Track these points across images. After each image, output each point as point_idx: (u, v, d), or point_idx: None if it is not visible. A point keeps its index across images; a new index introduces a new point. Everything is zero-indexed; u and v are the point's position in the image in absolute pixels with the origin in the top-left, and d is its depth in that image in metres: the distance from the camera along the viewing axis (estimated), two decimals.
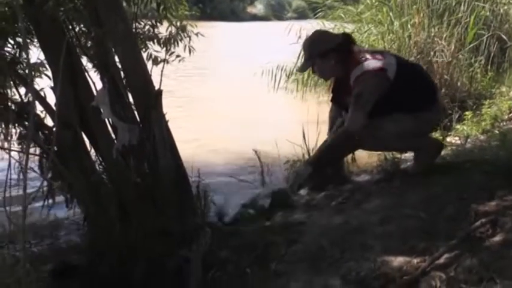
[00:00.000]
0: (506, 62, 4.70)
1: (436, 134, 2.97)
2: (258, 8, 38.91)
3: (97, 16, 2.02)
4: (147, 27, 2.30)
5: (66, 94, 2.05)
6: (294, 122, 3.94)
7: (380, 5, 5.54)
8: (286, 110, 5.85)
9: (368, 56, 2.14)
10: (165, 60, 2.27)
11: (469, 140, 3.01)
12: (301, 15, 30.97)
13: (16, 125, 2.28)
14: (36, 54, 2.21)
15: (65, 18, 2.11)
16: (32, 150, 2.26)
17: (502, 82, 4.52)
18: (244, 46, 13.76)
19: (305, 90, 6.30)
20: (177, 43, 2.28)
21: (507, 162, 2.03)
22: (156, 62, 2.27)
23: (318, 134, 2.74)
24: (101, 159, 2.33)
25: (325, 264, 1.66)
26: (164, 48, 2.28)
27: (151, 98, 2.11)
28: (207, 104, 6.23)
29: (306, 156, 2.79)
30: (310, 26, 6.56)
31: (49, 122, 2.31)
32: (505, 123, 3.41)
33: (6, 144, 2.27)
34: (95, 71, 2.21)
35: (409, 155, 2.69)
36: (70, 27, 2.17)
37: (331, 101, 2.44)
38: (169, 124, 2.23)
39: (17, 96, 2.29)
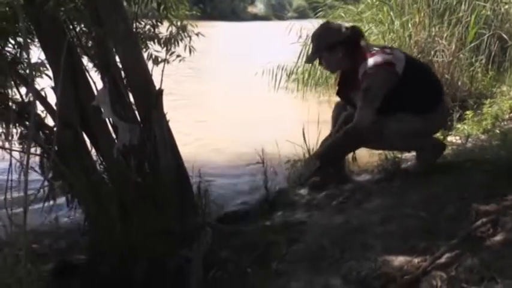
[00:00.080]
0: (507, 61, 4.69)
1: (437, 134, 2.96)
2: (259, 8, 38.93)
3: (98, 16, 2.02)
4: (147, 27, 2.30)
5: (67, 94, 2.05)
6: (295, 121, 3.94)
7: (380, 4, 5.54)
8: (286, 109, 5.84)
9: (377, 50, 2.14)
10: (165, 60, 2.27)
11: (469, 139, 3.01)
12: (301, 14, 31.04)
13: (17, 124, 2.28)
14: (36, 54, 2.21)
15: (65, 18, 2.12)
16: (32, 150, 2.27)
17: (503, 81, 4.52)
18: (244, 46, 13.77)
19: (305, 90, 6.30)
20: (178, 43, 2.28)
21: (508, 161, 2.02)
22: (156, 61, 2.27)
23: (319, 134, 2.74)
24: (101, 158, 2.33)
25: (326, 264, 1.66)
26: (165, 48, 2.28)
27: (152, 98, 2.11)
28: (208, 103, 6.23)
29: (307, 156, 2.79)
30: (310, 26, 6.57)
31: (50, 121, 2.31)
32: (505, 123, 3.40)
33: (7, 144, 2.27)
34: (95, 71, 2.22)
35: (409, 155, 2.69)
36: (71, 27, 2.18)
37: (337, 94, 2.41)
38: (170, 124, 2.23)
39: (17, 96, 2.29)
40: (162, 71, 2.21)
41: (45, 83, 2.22)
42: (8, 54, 2.17)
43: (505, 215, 1.61)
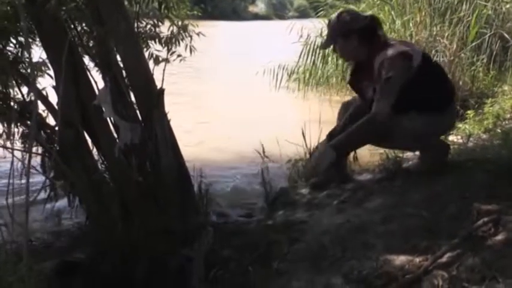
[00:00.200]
0: (508, 61, 4.69)
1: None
2: (260, 7, 38.93)
3: (99, 15, 2.02)
4: (148, 26, 2.30)
5: (68, 93, 2.05)
6: (296, 121, 3.94)
7: (382, 4, 5.54)
8: (287, 109, 5.85)
9: (395, 41, 2.11)
10: (166, 60, 2.27)
11: (471, 139, 3.00)
12: (302, 14, 31.05)
13: (18, 124, 2.28)
14: (38, 53, 2.22)
15: (67, 18, 2.12)
16: (34, 149, 2.27)
17: (504, 81, 4.52)
18: (245, 45, 13.77)
19: (306, 90, 6.30)
20: (179, 42, 2.29)
21: (509, 161, 2.02)
22: (157, 61, 2.27)
23: (320, 133, 2.74)
24: (103, 158, 2.34)
25: (327, 263, 1.66)
26: (166, 48, 2.29)
27: (153, 97, 2.11)
28: (208, 103, 6.24)
29: (308, 156, 2.79)
30: (311, 25, 6.58)
31: (51, 121, 2.32)
32: (507, 122, 3.40)
33: (9, 144, 2.28)
34: (97, 70, 2.22)
35: (410, 154, 2.69)
36: (72, 26, 2.18)
37: (349, 83, 2.38)
38: (171, 123, 2.23)
39: (19, 96, 2.30)
40: (163, 70, 2.22)
41: (46, 83, 2.22)
42: (9, 53, 2.18)
43: (506, 214, 1.60)
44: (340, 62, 5.99)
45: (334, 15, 2.28)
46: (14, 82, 2.25)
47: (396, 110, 2.02)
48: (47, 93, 2.23)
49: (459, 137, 3.11)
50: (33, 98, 2.21)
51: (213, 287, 1.79)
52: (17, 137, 2.33)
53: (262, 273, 1.74)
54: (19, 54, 2.19)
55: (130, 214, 2.11)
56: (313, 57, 6.29)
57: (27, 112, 2.25)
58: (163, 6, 2.31)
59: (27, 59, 2.18)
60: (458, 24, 4.58)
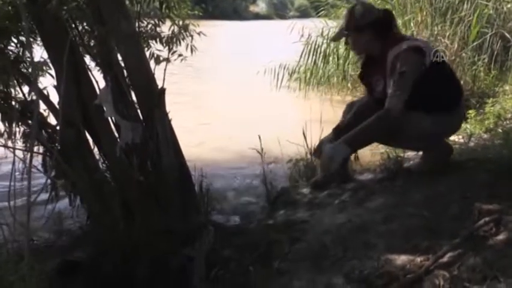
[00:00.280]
0: (509, 61, 4.69)
1: None
2: (261, 7, 38.95)
3: (100, 15, 2.02)
4: (149, 26, 2.30)
5: (70, 93, 2.05)
6: (297, 120, 3.94)
7: (383, 3, 5.53)
8: (288, 108, 5.85)
9: (408, 37, 2.09)
10: (167, 59, 2.27)
11: (472, 138, 3.00)
12: (303, 13, 31.07)
13: (20, 123, 2.29)
14: (39, 53, 2.22)
15: (68, 17, 2.12)
16: (35, 148, 2.27)
17: (506, 80, 4.51)
18: (246, 45, 13.76)
19: (308, 89, 6.30)
20: (180, 42, 2.29)
21: (510, 160, 2.02)
22: (158, 61, 2.27)
23: (321, 133, 2.74)
24: (104, 157, 2.34)
25: (328, 263, 1.66)
26: (167, 47, 2.29)
27: (155, 97, 2.11)
28: (209, 103, 6.24)
29: (309, 155, 2.79)
30: (312, 25, 6.58)
31: (52, 120, 2.32)
32: (508, 122, 3.40)
33: (10, 143, 2.28)
34: (98, 70, 2.22)
35: (412, 154, 2.69)
36: (73, 25, 2.18)
37: (359, 77, 2.36)
38: (172, 123, 2.23)
39: (20, 95, 2.30)
40: (165, 70, 2.22)
41: (47, 82, 2.23)
42: (10, 53, 2.18)
43: (507, 214, 1.60)
44: (341, 61, 6.00)
45: (349, 7, 2.24)
46: (15, 81, 2.25)
47: (406, 108, 2.00)
48: (48, 93, 2.23)
49: (460, 136, 3.11)
50: (34, 98, 2.22)
51: (214, 287, 1.79)
52: (18, 136, 2.33)
53: (263, 273, 1.74)
54: (20, 53, 2.20)
55: (131, 213, 2.11)
56: (314, 56, 6.29)
57: (29, 111, 2.26)
58: (164, 6, 2.31)
59: (28, 59, 2.18)
60: (459, 23, 4.58)
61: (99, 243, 2.17)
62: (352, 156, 2.78)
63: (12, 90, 2.27)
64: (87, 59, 2.23)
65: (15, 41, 2.17)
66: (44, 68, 2.26)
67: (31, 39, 2.15)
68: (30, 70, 2.22)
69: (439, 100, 2.07)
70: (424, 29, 4.67)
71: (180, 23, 2.28)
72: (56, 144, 2.21)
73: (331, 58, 6.24)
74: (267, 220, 2.22)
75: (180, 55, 2.30)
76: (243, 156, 3.52)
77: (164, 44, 2.28)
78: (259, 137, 2.61)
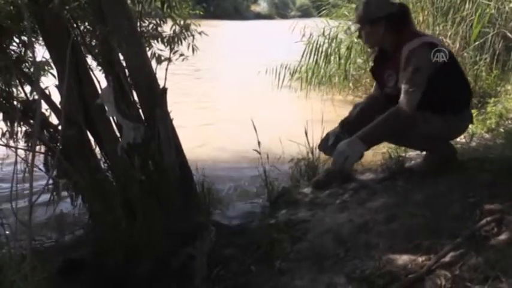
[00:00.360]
0: (511, 60, 4.68)
1: None
2: (262, 6, 38.95)
3: (102, 14, 2.02)
4: (151, 25, 2.30)
5: (71, 92, 2.06)
6: (298, 120, 3.94)
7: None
8: (290, 108, 5.85)
9: (423, 33, 2.06)
10: (169, 59, 2.28)
11: (474, 138, 3.00)
12: (305, 13, 31.08)
13: (22, 123, 2.29)
14: (41, 52, 2.22)
15: (69, 17, 2.12)
16: (37, 148, 2.28)
17: (507, 80, 4.51)
18: (248, 44, 13.76)
19: (309, 89, 6.30)
20: (181, 42, 2.29)
21: None
22: (159, 60, 2.28)
23: (322, 132, 2.74)
24: (105, 157, 2.34)
25: (330, 262, 1.66)
26: (168, 47, 2.29)
27: (156, 96, 2.12)
28: (211, 102, 6.25)
29: (310, 155, 2.79)
30: (314, 24, 6.58)
31: (54, 120, 2.32)
32: (510, 122, 3.39)
33: (12, 143, 2.29)
34: (99, 69, 2.22)
35: (413, 154, 2.69)
36: (75, 25, 2.18)
37: (371, 71, 2.34)
38: (174, 122, 2.23)
39: (22, 95, 2.30)
40: (166, 69, 2.22)
41: (49, 82, 2.23)
42: (12, 52, 2.18)
43: (509, 214, 1.60)
44: (342, 61, 5.99)
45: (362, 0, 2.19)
46: (17, 81, 2.25)
47: (417, 106, 1.98)
48: (49, 93, 2.23)
49: (462, 136, 3.11)
50: (36, 97, 2.22)
51: (215, 286, 1.80)
52: (20, 136, 2.33)
53: (264, 273, 1.74)
54: (22, 53, 2.20)
55: (133, 213, 2.12)
56: (315, 56, 6.28)
57: (31, 111, 2.26)
58: (165, 6, 2.31)
59: (30, 58, 2.19)
60: (461, 23, 4.57)
61: (100, 242, 2.18)
62: None
63: (14, 90, 2.27)
64: (89, 58, 2.23)
65: (17, 40, 2.17)
66: (46, 67, 2.26)
67: (33, 39, 2.15)
68: (32, 70, 2.23)
69: (449, 101, 2.05)
70: (425, 28, 4.66)
71: (182, 22, 2.28)
72: (58, 144, 2.22)
73: (332, 58, 6.23)
74: (269, 220, 2.22)
75: (181, 55, 2.31)
76: (244, 156, 3.52)
77: (166, 44, 2.28)
78: (258, 139, 2.60)
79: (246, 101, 6.03)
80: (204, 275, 1.85)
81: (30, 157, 2.18)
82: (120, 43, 2.05)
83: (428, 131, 2.05)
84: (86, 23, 2.21)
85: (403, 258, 1.54)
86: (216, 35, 12.21)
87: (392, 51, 2.08)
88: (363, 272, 1.54)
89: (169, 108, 2.18)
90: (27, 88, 2.29)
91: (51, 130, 2.32)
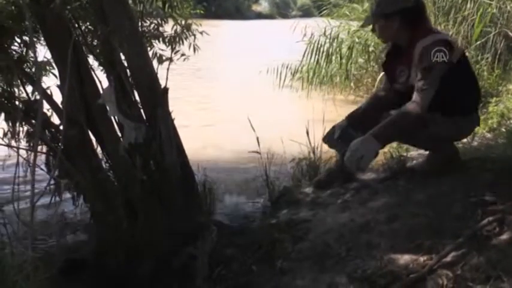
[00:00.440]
0: None
1: None
2: (263, 6, 38.93)
3: (103, 14, 2.03)
4: (152, 25, 2.31)
5: (73, 92, 2.06)
6: (299, 120, 3.93)
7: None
8: (291, 108, 5.84)
9: (439, 30, 2.03)
10: (170, 59, 2.28)
11: (475, 138, 3.00)
12: (306, 13, 31.08)
13: (23, 123, 2.30)
14: (42, 52, 2.22)
15: (71, 17, 2.12)
16: (39, 148, 2.28)
17: (509, 80, 4.50)
18: (249, 44, 13.76)
19: (310, 89, 6.30)
20: (182, 41, 2.29)
21: None
22: (161, 60, 2.28)
23: (324, 132, 2.74)
24: (107, 157, 2.34)
25: (331, 262, 1.66)
26: (169, 47, 2.29)
27: (158, 96, 2.12)
28: (212, 102, 6.25)
29: (312, 155, 2.78)
30: (315, 24, 6.58)
31: (56, 120, 2.33)
32: (511, 121, 3.39)
33: (14, 143, 2.29)
34: (101, 69, 2.22)
35: (415, 153, 2.69)
36: (76, 25, 2.18)
37: (383, 65, 2.30)
38: (175, 122, 2.23)
39: (24, 95, 2.31)
40: (167, 69, 2.22)
41: (51, 82, 2.23)
42: (14, 52, 2.19)
43: (511, 213, 1.60)
44: (344, 61, 5.99)
45: None
46: (18, 81, 2.26)
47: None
48: (51, 93, 2.23)
49: None
50: (38, 97, 2.22)
51: (217, 286, 1.80)
52: (22, 136, 2.34)
53: (266, 272, 1.74)
54: (24, 53, 2.20)
55: (134, 213, 2.12)
56: (316, 56, 6.29)
57: (32, 111, 2.26)
58: (167, 6, 2.31)
59: (32, 58, 2.19)
60: (462, 23, 4.57)
61: (102, 242, 2.18)
62: None
63: (16, 90, 2.28)
64: (91, 58, 2.24)
65: (18, 40, 2.18)
66: (47, 67, 2.27)
67: (34, 39, 2.16)
68: (33, 70, 2.23)
69: (460, 102, 2.02)
70: None
71: (183, 22, 2.29)
72: (60, 144, 2.22)
73: (333, 57, 6.23)
74: (270, 219, 2.22)
75: (182, 54, 2.31)
76: (245, 156, 3.51)
77: (167, 44, 2.29)
78: (257, 139, 2.60)
79: (247, 100, 6.03)
80: (206, 274, 1.85)
81: (32, 157, 2.19)
82: (121, 43, 2.05)
83: (437, 132, 2.02)
84: (88, 23, 2.22)
85: (404, 258, 1.54)
86: (217, 34, 12.20)
87: (406, 47, 2.04)
88: (364, 272, 1.53)
89: (170, 108, 2.18)
90: (29, 88, 2.30)
91: (53, 130, 2.33)
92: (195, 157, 2.60)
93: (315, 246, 1.80)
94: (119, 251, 2.02)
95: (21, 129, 2.32)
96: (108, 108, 2.09)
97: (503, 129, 3.09)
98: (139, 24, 2.21)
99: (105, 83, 2.14)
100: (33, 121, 2.28)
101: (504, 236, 1.50)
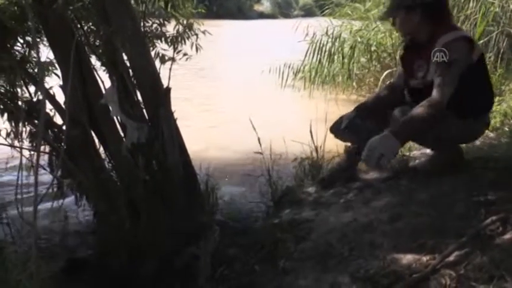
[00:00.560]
0: None
1: None
2: (265, 6, 38.91)
3: (105, 14, 2.03)
4: (154, 25, 2.31)
5: (76, 92, 2.06)
6: (302, 119, 3.94)
7: (388, 2, 5.50)
8: (293, 107, 5.84)
9: (459, 27, 1.99)
10: (172, 59, 2.28)
11: None
12: (308, 12, 31.08)
13: (26, 123, 2.30)
14: (45, 53, 2.23)
15: (73, 17, 2.13)
16: (41, 148, 2.29)
17: None
18: (251, 44, 13.76)
19: (312, 88, 6.29)
20: (185, 41, 2.29)
21: None
22: (163, 60, 2.28)
23: (326, 131, 2.73)
24: (110, 157, 2.35)
25: (334, 262, 1.66)
26: (172, 47, 2.29)
27: (160, 96, 2.12)
28: (214, 102, 6.25)
29: (314, 154, 2.78)
30: (317, 24, 6.57)
31: (58, 120, 2.33)
32: None
33: (16, 142, 2.30)
34: (103, 70, 2.23)
35: (418, 153, 2.68)
36: (79, 25, 2.19)
37: (400, 58, 2.24)
38: (177, 122, 2.23)
39: (27, 95, 2.31)
40: (170, 69, 2.22)
41: (53, 82, 2.24)
42: (17, 53, 2.19)
43: None
44: (346, 60, 5.98)
45: None
46: (21, 81, 2.26)
47: None
48: (54, 93, 2.24)
49: None
50: (40, 97, 2.23)
51: (219, 286, 1.80)
52: (24, 136, 2.35)
53: (268, 272, 1.74)
54: (26, 53, 2.21)
55: (137, 213, 2.12)
56: (319, 55, 6.28)
57: (35, 111, 2.27)
58: (169, 5, 2.31)
59: (34, 59, 2.20)
60: (465, 22, 4.55)
61: (105, 242, 2.19)
62: None
63: (19, 90, 2.29)
64: (93, 58, 2.24)
65: (21, 41, 2.18)
66: (50, 67, 2.27)
67: (37, 39, 2.16)
68: (36, 70, 2.24)
69: (474, 104, 1.99)
70: None
71: (185, 22, 2.29)
72: (62, 144, 2.22)
73: (336, 57, 6.23)
74: (272, 219, 2.22)
75: (185, 54, 2.31)
76: (248, 156, 3.52)
77: (169, 44, 2.29)
78: (258, 139, 2.60)
79: (249, 100, 6.03)
80: (208, 274, 1.85)
81: (34, 157, 2.19)
82: (123, 43, 2.06)
83: (447, 133, 1.99)
84: (90, 23, 2.22)
85: (407, 258, 1.53)
86: (219, 34, 12.21)
87: (426, 42, 1.99)
88: (367, 272, 1.53)
89: (172, 108, 2.18)
90: (32, 88, 2.30)
91: (56, 130, 2.33)
92: (197, 157, 2.60)
93: (318, 246, 1.80)
94: (122, 250, 2.02)
95: (24, 129, 2.33)
96: (110, 108, 2.10)
97: (506, 129, 3.08)
98: (142, 24, 2.21)
99: (108, 83, 2.15)
100: (36, 121, 2.29)
101: (507, 236, 1.50)
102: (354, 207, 2.05)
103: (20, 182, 1.80)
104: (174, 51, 2.28)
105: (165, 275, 1.94)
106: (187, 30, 2.28)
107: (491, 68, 4.53)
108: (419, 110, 1.87)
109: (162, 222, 2.07)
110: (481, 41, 4.51)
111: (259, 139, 2.59)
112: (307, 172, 2.74)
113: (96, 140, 2.32)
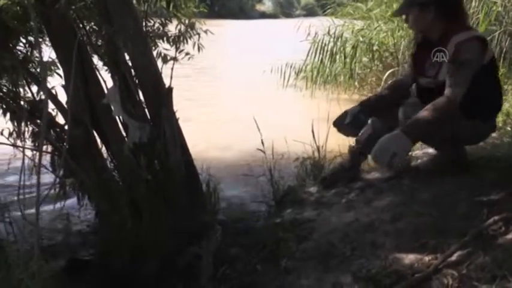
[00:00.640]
0: None
1: None
2: (267, 6, 38.92)
3: (107, 14, 2.03)
4: (156, 25, 2.31)
5: (78, 92, 2.07)
6: (303, 119, 3.93)
7: (390, 1, 5.51)
8: (295, 107, 5.84)
9: (473, 27, 1.98)
10: (174, 58, 2.28)
11: None
12: (310, 12, 31.08)
13: (28, 123, 2.31)
14: (47, 52, 2.23)
15: (76, 17, 2.13)
16: (44, 147, 2.29)
17: None
18: (253, 44, 13.76)
19: (314, 88, 6.29)
20: (186, 41, 2.29)
21: None
22: (165, 60, 2.28)
23: (328, 131, 2.73)
24: (112, 156, 2.35)
25: (336, 262, 1.66)
26: (173, 46, 2.29)
27: (162, 96, 2.12)
28: (216, 102, 6.25)
29: (316, 154, 2.78)
30: (319, 23, 6.57)
31: (61, 120, 2.34)
32: None
33: (19, 142, 2.30)
34: (105, 69, 2.23)
35: (420, 152, 2.67)
36: (81, 25, 2.19)
37: (412, 56, 2.21)
38: (179, 122, 2.24)
39: (29, 95, 2.32)
40: (172, 69, 2.22)
41: (55, 82, 2.24)
42: (19, 53, 2.20)
43: None
44: (348, 60, 5.98)
45: None
46: (24, 81, 2.27)
47: None
48: (56, 92, 2.24)
49: None
50: (43, 97, 2.24)
51: (221, 285, 1.80)
52: (27, 135, 2.35)
53: (270, 272, 1.74)
54: (29, 53, 2.22)
55: (139, 212, 2.12)
56: (320, 55, 6.28)
57: (37, 111, 2.27)
58: (171, 5, 2.31)
59: (37, 58, 2.20)
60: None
61: (107, 241, 2.19)
62: None
63: (21, 90, 2.29)
64: (95, 58, 2.24)
65: (23, 40, 2.19)
66: (52, 67, 2.28)
67: (39, 39, 2.17)
68: (38, 70, 2.24)
69: (484, 106, 1.97)
70: None
71: (187, 21, 2.29)
72: (65, 144, 2.23)
73: (338, 57, 6.22)
74: (274, 219, 2.22)
75: (187, 54, 2.31)
76: (249, 155, 3.52)
77: (171, 43, 2.29)
78: (261, 138, 2.60)
79: (251, 100, 6.03)
80: (210, 274, 1.85)
81: (37, 157, 2.20)
82: (125, 43, 2.06)
83: (454, 134, 1.97)
84: (92, 23, 2.23)
85: (409, 258, 1.53)
86: (221, 34, 12.21)
87: (439, 40, 1.97)
88: (369, 271, 1.53)
89: (174, 108, 2.18)
90: (34, 88, 2.31)
91: (58, 130, 2.34)
92: (199, 156, 2.60)
93: (320, 246, 1.80)
94: (124, 250, 2.02)
95: (26, 129, 2.33)
96: (112, 108, 2.10)
97: (509, 128, 3.08)
98: (144, 24, 2.22)
99: (110, 83, 2.15)
100: (39, 121, 2.29)
101: (510, 235, 1.49)
102: (356, 207, 2.05)
103: (22, 181, 1.81)
104: (176, 50, 2.28)
105: (167, 274, 1.94)
106: (189, 29, 2.28)
107: None
108: (431, 109, 1.83)
109: (164, 222, 2.07)
110: None
111: (262, 141, 2.59)
112: (309, 172, 2.73)
113: (98, 140, 2.32)
